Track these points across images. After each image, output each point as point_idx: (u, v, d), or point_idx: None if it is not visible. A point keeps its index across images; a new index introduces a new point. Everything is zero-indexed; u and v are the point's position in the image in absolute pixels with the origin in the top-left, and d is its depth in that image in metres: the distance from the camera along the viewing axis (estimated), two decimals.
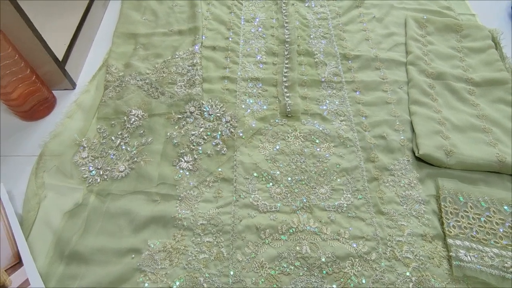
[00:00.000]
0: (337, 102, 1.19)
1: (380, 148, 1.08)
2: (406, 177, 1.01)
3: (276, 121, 1.13)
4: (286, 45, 1.36)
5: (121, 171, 0.99)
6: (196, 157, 1.03)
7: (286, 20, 1.45)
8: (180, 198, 0.95)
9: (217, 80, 1.23)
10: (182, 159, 1.02)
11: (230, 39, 1.38)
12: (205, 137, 1.07)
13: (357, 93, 1.23)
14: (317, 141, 1.08)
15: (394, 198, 0.97)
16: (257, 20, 1.47)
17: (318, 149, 1.06)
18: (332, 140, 1.09)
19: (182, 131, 1.08)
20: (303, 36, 1.40)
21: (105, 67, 1.25)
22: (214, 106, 1.15)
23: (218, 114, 1.13)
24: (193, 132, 1.08)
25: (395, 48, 1.39)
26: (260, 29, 1.43)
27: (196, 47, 1.31)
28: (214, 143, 1.06)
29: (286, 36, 1.39)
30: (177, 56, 1.29)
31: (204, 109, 1.14)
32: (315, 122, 1.13)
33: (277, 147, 1.06)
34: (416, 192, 0.98)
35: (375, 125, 1.14)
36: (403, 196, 0.97)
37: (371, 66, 1.32)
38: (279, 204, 0.94)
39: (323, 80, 1.26)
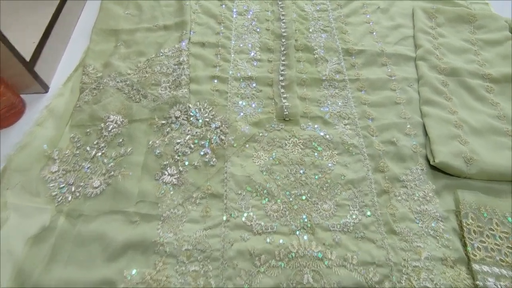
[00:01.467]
0: (340, 103, 1.07)
1: (389, 156, 0.95)
2: (421, 189, 0.89)
3: (272, 126, 1.01)
4: (283, 40, 1.23)
5: (96, 187, 0.86)
6: (181, 169, 0.91)
7: (283, 13, 1.32)
8: (162, 219, 0.82)
9: (206, 80, 1.10)
10: (166, 172, 0.90)
11: (221, 34, 1.25)
12: (192, 145, 0.95)
13: (362, 92, 1.10)
14: (318, 148, 0.96)
15: (408, 214, 0.85)
16: (251, 12, 1.33)
17: (320, 158, 0.94)
18: (336, 147, 0.96)
19: (166, 139, 0.96)
20: (301, 30, 1.27)
21: (81, 67, 1.12)
22: (202, 109, 1.02)
23: (207, 119, 1.00)
24: (178, 140, 0.95)
25: (402, 42, 1.27)
26: (254, 23, 1.30)
27: (183, 44, 1.18)
28: (202, 153, 0.94)
29: (283, 30, 1.26)
30: (161, 54, 1.16)
31: (191, 114, 1.01)
32: (316, 126, 1.01)
33: (274, 156, 0.94)
34: (432, 207, 0.86)
35: (384, 129, 1.01)
36: (418, 212, 0.85)
37: (377, 62, 1.19)
38: (276, 224, 0.82)
39: (324, 78, 1.13)
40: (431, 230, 0.82)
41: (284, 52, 1.19)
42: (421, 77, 1.13)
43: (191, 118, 1.00)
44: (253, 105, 1.05)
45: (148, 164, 0.92)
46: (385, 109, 1.06)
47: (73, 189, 0.86)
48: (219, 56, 1.18)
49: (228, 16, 1.31)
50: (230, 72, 1.13)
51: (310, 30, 1.28)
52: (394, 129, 1.01)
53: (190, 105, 1.03)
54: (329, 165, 0.93)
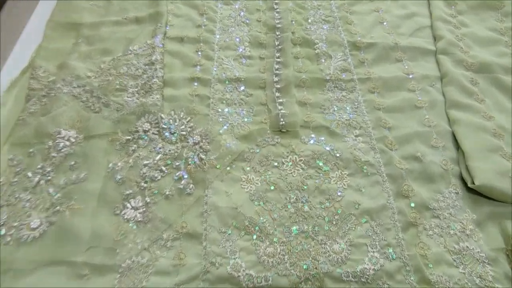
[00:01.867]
0: (349, 109, 0.87)
1: (414, 176, 0.76)
2: (457, 220, 0.69)
3: (266, 139, 0.80)
4: (277, 33, 1.03)
5: (34, 228, 0.66)
6: (148, 200, 0.70)
7: (276, 1, 1.12)
8: (121, 270, 0.62)
9: (183, 83, 0.90)
10: (129, 205, 0.70)
11: (203, 27, 1.04)
12: (164, 168, 0.75)
13: (375, 94, 0.90)
14: (324, 168, 0.76)
15: (444, 255, 0.65)
16: (239, 1, 1.13)
17: (326, 181, 0.74)
18: (346, 166, 0.76)
19: (130, 161, 0.75)
20: (298, 21, 1.07)
21: (30, 70, 0.91)
22: (178, 120, 0.82)
23: (184, 132, 0.80)
24: (146, 162, 0.75)
25: (418, 33, 1.06)
26: (242, 13, 1.09)
27: (157, 39, 0.98)
28: (176, 177, 0.74)
29: (277, 21, 1.06)
30: (130, 52, 0.95)
31: (164, 126, 0.81)
32: (320, 139, 0.81)
33: (268, 179, 0.74)
34: (475, 244, 0.66)
35: (404, 140, 0.81)
36: (456, 252, 0.65)
37: (390, 57, 0.99)
38: (271, 274, 0.62)
39: (328, 78, 0.93)
40: (477, 278, 0.62)
41: (279, 47, 0.99)
42: (445, 74, 0.93)
43: (164, 132, 0.80)
44: (242, 114, 0.85)
45: (107, 193, 0.71)
46: (404, 115, 0.86)
47: (3, 232, 0.65)
48: (200, 53, 0.97)
49: (211, 6, 1.11)
50: (214, 73, 0.93)
51: (309, 20, 1.08)
52: (417, 141, 0.81)
53: (163, 115, 0.82)
54: (339, 190, 0.73)
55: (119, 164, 0.75)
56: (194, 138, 0.79)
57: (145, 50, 0.96)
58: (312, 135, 0.81)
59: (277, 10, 1.10)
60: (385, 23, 1.08)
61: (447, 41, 1.00)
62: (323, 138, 0.81)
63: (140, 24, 1.05)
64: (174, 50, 0.98)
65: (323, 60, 0.97)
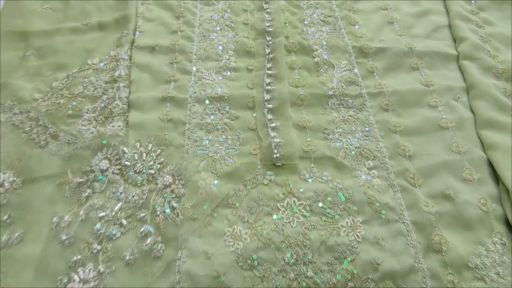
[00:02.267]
0: (358, 132, 0.70)
1: (446, 221, 0.59)
2: (508, 282, 0.53)
3: (256, 177, 0.64)
4: (268, 38, 0.86)
5: None
6: (103, 269, 0.53)
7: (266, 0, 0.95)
8: None
9: (153, 104, 0.73)
10: (76, 276, 0.53)
11: (179, 32, 0.87)
12: (125, 221, 0.58)
13: (390, 112, 0.74)
14: (331, 214, 0.59)
15: None
16: (222, 1, 0.96)
17: (334, 232, 0.57)
18: (360, 211, 0.60)
19: (81, 212, 0.58)
20: (293, 23, 0.90)
21: None
22: (145, 155, 0.65)
23: (152, 171, 0.63)
24: (101, 213, 0.58)
25: (435, 34, 0.90)
26: (226, 15, 0.92)
27: (122, 51, 0.80)
28: (140, 234, 0.57)
29: (267, 24, 0.89)
30: (88, 67, 0.78)
31: (127, 163, 0.64)
32: (324, 174, 0.64)
33: (260, 232, 0.57)
34: None
35: (430, 173, 0.65)
36: None
37: (404, 65, 0.83)
38: None
39: (330, 93, 0.76)
40: None
41: (271, 56, 0.82)
42: (472, 85, 0.77)
43: (128, 171, 0.63)
44: (226, 143, 0.68)
45: (48, 260, 0.54)
46: (426, 138, 0.70)
47: None
48: (175, 65, 0.80)
49: (189, 7, 0.93)
50: (191, 90, 0.75)
51: (306, 22, 0.91)
52: (446, 173, 0.65)
53: (126, 149, 0.65)
54: (351, 244, 0.56)
55: (66, 217, 0.57)
56: (165, 178, 0.62)
57: (107, 63, 0.78)
58: (314, 169, 0.65)
59: (268, 10, 0.93)
60: (395, 23, 0.92)
61: (471, 43, 0.84)
62: (327, 173, 0.64)
63: (104, 31, 0.87)
64: (143, 62, 0.80)
65: (323, 71, 0.81)
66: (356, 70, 0.81)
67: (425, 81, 0.79)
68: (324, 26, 0.90)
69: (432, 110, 0.74)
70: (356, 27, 0.90)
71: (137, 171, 0.63)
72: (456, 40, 0.88)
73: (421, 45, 0.86)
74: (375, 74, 0.80)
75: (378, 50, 0.84)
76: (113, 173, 0.63)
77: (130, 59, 0.81)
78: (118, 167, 0.63)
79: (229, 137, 0.69)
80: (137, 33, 0.87)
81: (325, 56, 0.83)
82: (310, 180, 0.63)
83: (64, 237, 0.55)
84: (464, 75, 0.80)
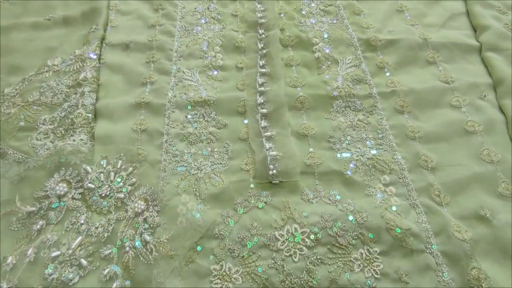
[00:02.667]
0: (370, 140, 0.59)
1: (483, 250, 0.48)
2: None
3: (248, 200, 0.52)
4: (260, 31, 0.74)
5: None
6: None
7: None
8: None
9: (125, 112, 0.61)
10: None
11: (158, 27, 0.76)
12: (84, 262, 0.46)
13: (405, 116, 0.62)
14: (342, 244, 0.48)
15: None
16: None
17: (347, 267, 0.46)
18: (376, 239, 0.48)
19: (30, 252, 0.46)
20: (289, 13, 0.79)
21: None
22: (113, 175, 0.53)
23: (121, 195, 0.51)
24: (55, 253, 0.47)
25: (451, 23, 0.79)
26: (212, 6, 0.81)
27: (90, 50, 0.69)
28: (104, 276, 0.45)
29: (259, 15, 0.77)
30: (47, 69, 0.66)
31: (91, 185, 0.52)
32: (331, 193, 0.53)
33: (253, 270, 0.46)
34: None
35: (458, 188, 0.54)
36: None
37: (419, 59, 0.71)
38: None
39: (335, 94, 0.65)
40: None
41: (264, 51, 0.70)
42: (500, 81, 0.66)
43: (91, 196, 0.51)
44: (211, 157, 0.56)
45: None
46: (450, 145, 0.59)
47: None
48: (152, 65, 0.69)
49: None
50: (170, 94, 0.64)
51: (303, 12, 0.80)
52: (477, 187, 0.54)
53: (90, 168, 0.53)
54: (368, 282, 0.45)
55: (9, 259, 0.46)
56: (137, 204, 0.50)
57: (70, 64, 0.66)
58: (319, 188, 0.53)
59: None
60: (405, 12, 0.80)
61: (495, 32, 0.73)
62: (335, 192, 0.53)
63: (69, 26, 0.76)
64: (114, 62, 0.69)
65: (325, 67, 0.69)
66: (363, 66, 0.69)
67: (444, 77, 0.68)
68: (324, 16, 0.79)
69: (454, 111, 0.63)
70: (361, 16, 0.79)
71: (103, 195, 0.51)
72: (476, 29, 0.77)
73: (436, 35, 0.75)
74: (386, 70, 0.69)
75: (388, 43, 0.73)
76: (73, 198, 0.51)
77: (99, 58, 0.69)
78: (80, 191, 0.52)
79: (215, 149, 0.57)
80: (108, 28, 0.76)
81: (327, 51, 0.71)
82: (314, 201, 0.52)
83: (4, 286, 0.44)
84: (489, 69, 0.69)
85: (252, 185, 0.53)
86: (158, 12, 0.79)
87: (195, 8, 0.80)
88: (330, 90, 0.65)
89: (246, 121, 0.60)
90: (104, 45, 0.72)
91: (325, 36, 0.74)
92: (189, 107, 0.62)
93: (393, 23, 0.78)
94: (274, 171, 0.53)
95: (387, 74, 0.68)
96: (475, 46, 0.73)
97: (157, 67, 0.68)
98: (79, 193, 0.51)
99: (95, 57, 0.68)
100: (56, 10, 0.78)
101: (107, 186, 0.52)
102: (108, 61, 0.69)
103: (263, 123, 0.59)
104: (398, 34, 0.75)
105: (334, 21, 0.78)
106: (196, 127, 0.60)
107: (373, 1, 0.83)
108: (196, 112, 0.62)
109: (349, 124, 0.61)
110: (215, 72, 0.68)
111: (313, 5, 0.81)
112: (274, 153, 0.55)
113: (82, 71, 0.65)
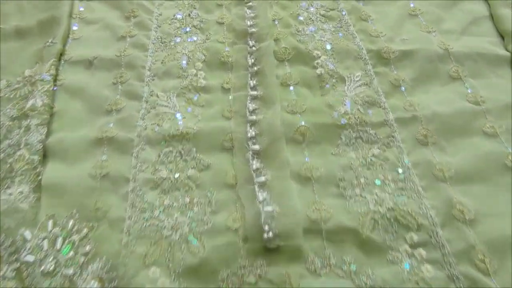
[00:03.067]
0: (390, 184, 0.47)
1: None
2: None
3: (237, 273, 0.40)
4: (251, 42, 0.62)
5: None
6: None
7: None
8: None
9: (82, 151, 0.49)
10: None
11: (129, 39, 0.63)
12: None
13: (429, 147, 0.50)
14: None
15: None
16: None
17: None
18: None
19: None
20: (284, 19, 0.67)
21: None
22: (60, 241, 0.41)
23: (70, 271, 0.39)
24: None
25: (473, 28, 0.68)
26: (194, 12, 0.68)
27: (42, 71, 0.56)
28: None
29: (250, 23, 0.65)
30: None
31: (28, 259, 0.39)
32: (344, 260, 0.41)
33: None
34: None
35: (504, 248, 0.42)
36: None
37: (441, 74, 0.60)
38: None
39: (343, 122, 0.53)
40: None
41: (255, 68, 0.58)
42: None
43: (29, 272, 0.39)
44: (190, 211, 0.44)
45: None
46: (490, 189, 0.47)
47: None
48: (120, 87, 0.56)
49: (144, 3, 0.69)
50: (141, 125, 0.51)
51: (301, 18, 0.68)
52: None
53: (29, 233, 0.41)
54: None
55: None
56: (89, 285, 0.38)
57: (17, 89, 0.54)
58: (329, 252, 0.41)
59: (250, 4, 0.69)
60: (419, 16, 0.69)
61: None
62: (349, 258, 0.41)
63: (22, 39, 0.63)
64: (74, 84, 0.57)
65: (330, 87, 0.57)
66: (375, 84, 0.57)
67: (473, 97, 0.56)
68: (326, 22, 0.67)
69: (489, 140, 0.52)
70: (369, 22, 0.67)
71: (46, 271, 0.39)
72: (504, 35, 0.65)
73: (458, 44, 0.63)
74: (403, 88, 0.57)
75: (402, 55, 0.61)
76: (3, 278, 0.38)
77: (55, 80, 0.56)
78: (14, 266, 0.39)
79: (195, 199, 0.45)
80: (69, 40, 0.63)
81: (331, 66, 0.59)
82: (322, 272, 0.40)
83: None
84: None
85: (241, 252, 0.41)
86: (130, 21, 0.67)
87: (174, 15, 0.68)
88: (337, 117, 0.53)
89: (234, 161, 0.48)
90: (63, 62, 0.60)
91: (328, 47, 0.62)
92: (163, 143, 0.50)
93: (407, 30, 0.66)
94: (270, 235, 0.41)
95: (404, 93, 0.57)
96: (504, 57, 0.61)
97: (126, 89, 0.56)
98: (13, 270, 0.39)
99: (48, 78, 0.55)
100: (9, 19, 0.66)
101: (51, 257, 0.40)
102: (67, 82, 0.57)
103: (255, 164, 0.47)
104: (413, 43, 0.63)
105: (338, 29, 0.65)
106: (171, 171, 0.47)
107: (381, 4, 0.71)
108: (171, 149, 0.49)
109: (362, 162, 0.49)
110: (196, 97, 0.55)
111: (312, 9, 0.69)
112: (269, 208, 0.42)
113: (30, 97, 0.52)
